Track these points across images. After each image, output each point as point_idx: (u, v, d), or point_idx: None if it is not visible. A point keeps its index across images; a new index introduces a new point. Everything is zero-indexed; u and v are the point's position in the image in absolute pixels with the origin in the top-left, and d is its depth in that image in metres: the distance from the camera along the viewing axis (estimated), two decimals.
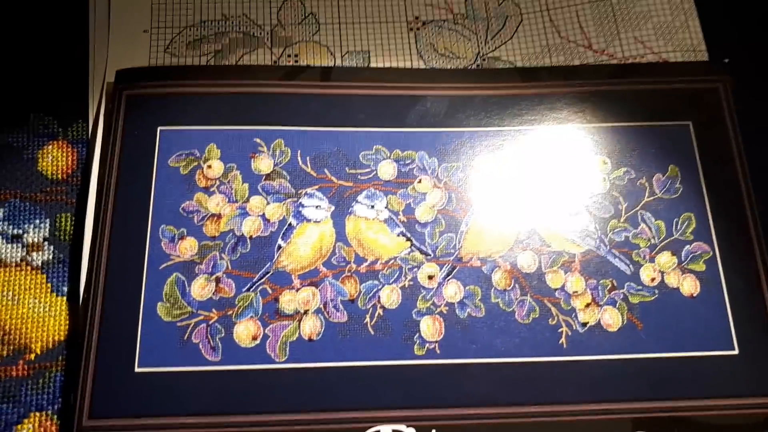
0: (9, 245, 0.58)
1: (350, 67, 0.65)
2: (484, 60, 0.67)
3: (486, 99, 0.63)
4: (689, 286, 0.57)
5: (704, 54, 0.67)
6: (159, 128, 0.60)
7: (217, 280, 0.56)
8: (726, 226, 0.59)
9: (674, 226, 0.59)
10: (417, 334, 0.55)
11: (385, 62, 0.66)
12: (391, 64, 0.66)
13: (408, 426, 0.52)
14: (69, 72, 0.64)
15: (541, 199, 0.60)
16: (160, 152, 0.59)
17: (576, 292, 0.57)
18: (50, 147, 0.61)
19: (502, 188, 0.60)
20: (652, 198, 0.60)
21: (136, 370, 0.53)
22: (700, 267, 0.58)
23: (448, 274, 0.57)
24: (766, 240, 0.59)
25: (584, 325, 0.56)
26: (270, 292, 0.55)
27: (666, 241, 0.59)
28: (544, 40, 0.68)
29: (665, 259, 0.58)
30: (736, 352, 0.55)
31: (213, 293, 0.55)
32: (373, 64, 0.66)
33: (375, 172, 0.60)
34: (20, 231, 0.58)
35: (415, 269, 0.57)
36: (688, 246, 0.59)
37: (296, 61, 0.66)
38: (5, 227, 0.58)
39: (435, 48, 0.67)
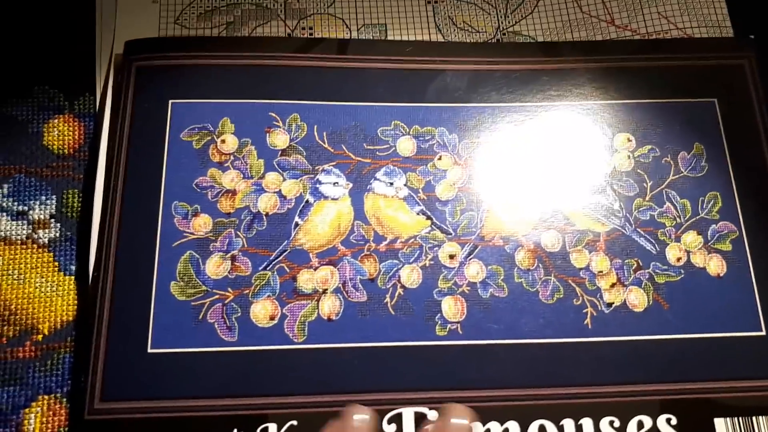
0: (14, 222, 0.55)
1: (367, 39, 0.63)
2: (504, 34, 0.65)
3: (507, 74, 0.61)
4: (715, 265, 0.56)
5: (729, 30, 0.65)
6: (171, 101, 0.57)
7: (233, 258, 0.53)
8: (752, 205, 0.58)
9: (700, 205, 0.57)
10: (438, 315, 0.53)
11: (402, 36, 0.64)
12: (409, 38, 0.64)
13: (430, 408, 0.50)
14: (75, 44, 0.61)
15: (564, 177, 0.58)
16: (172, 126, 0.57)
17: (601, 271, 0.55)
18: (56, 121, 0.58)
19: (524, 166, 0.58)
20: (677, 176, 0.58)
21: (149, 350, 0.50)
22: (727, 246, 0.56)
23: (469, 254, 0.55)
24: None
25: (609, 305, 0.54)
26: (287, 270, 0.53)
27: (692, 221, 0.57)
28: (565, 15, 0.66)
29: (691, 238, 0.56)
30: (763, 333, 0.54)
31: (228, 271, 0.53)
32: (389, 38, 0.64)
33: (394, 149, 0.58)
34: (25, 207, 0.56)
35: (436, 248, 0.55)
36: (714, 225, 0.57)
37: (311, 34, 0.63)
38: (10, 204, 0.56)
39: (453, 21, 0.65)
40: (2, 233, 0.55)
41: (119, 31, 0.61)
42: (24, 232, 0.55)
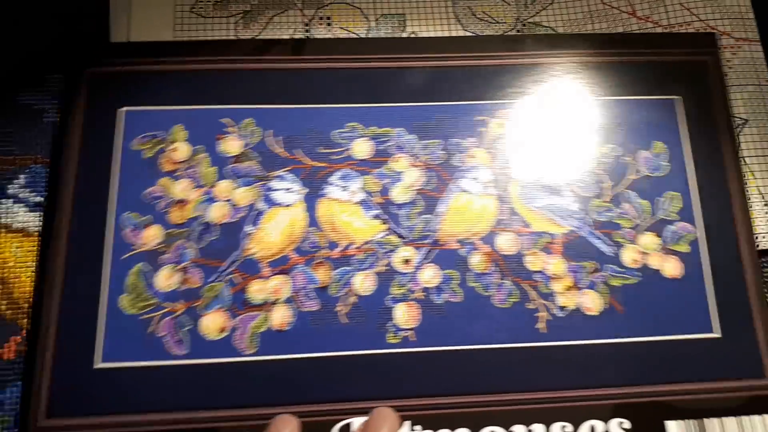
0: (31, 213, 0.55)
1: (324, 38, 0.61)
2: (524, 26, 0.63)
3: (468, 70, 0.59)
4: (671, 267, 0.55)
5: (752, 23, 0.63)
6: (122, 109, 0.56)
7: (184, 270, 0.53)
8: (712, 206, 0.57)
9: (658, 206, 0.56)
10: (391, 322, 0.53)
11: (421, 26, 0.62)
12: (428, 28, 0.62)
13: None
14: (90, 32, 0.60)
15: (523, 177, 0.57)
16: (124, 135, 0.56)
17: (556, 275, 0.54)
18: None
19: (483, 165, 0.57)
20: (637, 176, 0.57)
21: (97, 366, 0.50)
22: (684, 248, 0.56)
23: (424, 258, 0.54)
24: (748, 221, 0.57)
25: (563, 309, 0.54)
26: (238, 281, 0.53)
27: (650, 222, 0.56)
28: (585, 6, 0.64)
29: (648, 239, 0.56)
30: (718, 335, 0.53)
31: (179, 284, 0.53)
32: (409, 28, 0.62)
33: (349, 151, 0.57)
34: (42, 198, 0.55)
35: (391, 253, 0.55)
36: (672, 226, 0.56)
37: (328, 24, 0.62)
38: (27, 194, 0.55)
39: (473, 12, 0.63)
40: (20, 224, 0.55)
41: (134, 20, 0.60)
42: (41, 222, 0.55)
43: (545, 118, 0.59)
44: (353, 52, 0.60)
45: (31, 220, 0.55)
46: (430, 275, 0.54)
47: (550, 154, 0.58)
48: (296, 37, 0.61)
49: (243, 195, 0.55)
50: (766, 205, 0.58)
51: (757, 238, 0.56)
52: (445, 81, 0.59)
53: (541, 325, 0.53)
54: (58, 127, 0.56)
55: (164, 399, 0.50)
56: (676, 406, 0.51)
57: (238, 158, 0.56)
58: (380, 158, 0.57)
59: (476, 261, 0.54)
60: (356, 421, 0.50)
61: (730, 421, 0.51)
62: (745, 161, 0.59)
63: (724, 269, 0.55)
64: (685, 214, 0.56)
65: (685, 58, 0.61)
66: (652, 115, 0.59)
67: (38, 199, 0.55)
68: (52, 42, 0.59)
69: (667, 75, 0.60)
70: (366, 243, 0.55)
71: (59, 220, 0.53)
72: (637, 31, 0.63)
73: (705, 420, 0.51)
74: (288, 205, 0.55)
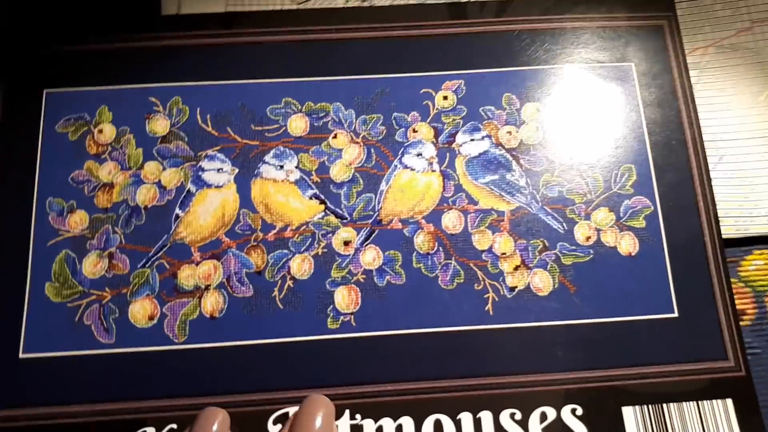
0: None
1: (253, 11, 0.58)
2: None
3: (408, 41, 0.57)
4: (627, 244, 0.52)
5: None
6: (45, 90, 0.54)
7: (111, 256, 0.51)
8: (669, 179, 0.54)
9: (613, 179, 0.54)
10: (331, 306, 0.50)
11: None
12: None
13: None
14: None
15: (468, 151, 0.54)
16: (47, 117, 0.54)
17: (504, 253, 0.52)
18: None
19: (427, 139, 0.54)
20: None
21: (21, 356, 0.49)
22: (640, 223, 0.53)
23: (366, 239, 0.52)
24: (711, 194, 0.53)
25: (512, 289, 0.51)
26: (167, 267, 0.51)
27: (603, 196, 0.53)
28: None
29: (602, 215, 0.53)
30: (675, 314, 0.51)
31: (106, 270, 0.51)
32: None
33: (285, 128, 0.54)
34: None
35: (330, 235, 0.52)
36: (627, 201, 0.53)
37: None
38: None
39: None
40: None
41: None
42: None
43: (492, 88, 0.56)
44: (285, 23, 0.57)
45: None
46: (371, 257, 0.52)
47: (494, 127, 0.55)
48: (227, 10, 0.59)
49: (171, 176, 0.53)
50: (728, 178, 0.55)
51: (718, 212, 0.53)
52: (386, 52, 0.56)
53: (488, 307, 0.51)
54: None
55: (91, 389, 0.48)
56: (632, 391, 0.49)
57: (165, 138, 0.54)
58: (317, 135, 0.54)
59: (420, 241, 0.52)
60: (293, 411, 0.48)
61: (691, 406, 0.49)
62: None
63: (683, 245, 0.52)
64: (641, 188, 0.53)
65: (639, 23, 0.58)
66: (606, 82, 0.56)
67: None
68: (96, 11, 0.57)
69: (621, 40, 0.57)
70: (303, 225, 0.52)
71: None
72: None
73: (664, 405, 0.49)
74: (219, 186, 0.52)
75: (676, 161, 0.54)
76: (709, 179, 0.54)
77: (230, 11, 0.58)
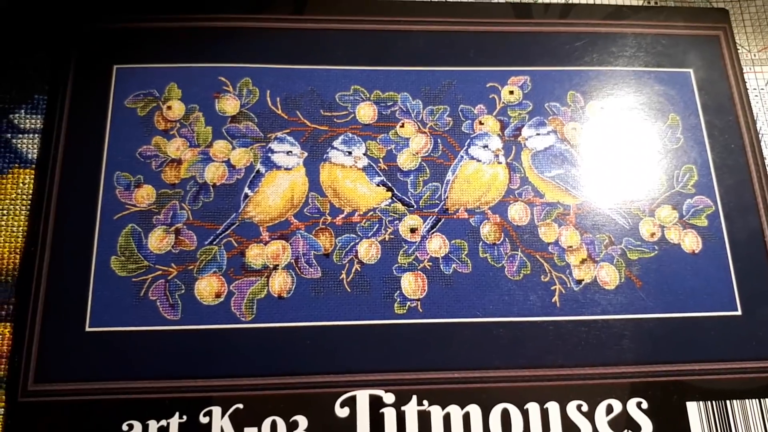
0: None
1: None
2: None
3: (474, 36, 0.58)
4: (690, 242, 0.54)
5: None
6: (115, 66, 0.55)
7: (177, 232, 0.51)
8: (729, 179, 0.56)
9: (675, 179, 0.55)
10: (398, 292, 0.51)
11: None
12: None
13: (386, 391, 0.48)
14: None
15: (534, 144, 0.56)
16: (116, 92, 0.54)
17: (571, 246, 0.53)
18: None
19: (493, 132, 0.56)
20: (653, 148, 0.56)
21: (87, 329, 0.48)
22: (702, 222, 0.54)
23: (432, 227, 0.53)
24: None
25: (579, 282, 0.52)
26: (235, 245, 0.51)
27: (666, 194, 0.55)
28: None
29: (666, 213, 0.54)
30: (738, 312, 0.52)
31: (172, 246, 0.51)
32: None
33: (353, 115, 0.55)
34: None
35: (397, 221, 0.53)
36: (689, 200, 0.55)
37: None
38: None
39: None
40: None
41: None
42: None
43: (557, 85, 0.58)
44: (356, 12, 0.59)
45: None
46: (437, 245, 0.52)
47: (561, 124, 0.57)
48: None
49: (240, 156, 0.53)
50: None
51: None
52: (453, 46, 0.58)
53: (555, 299, 0.51)
54: (49, 85, 0.55)
55: (157, 365, 0.48)
56: (696, 387, 0.50)
57: (235, 118, 0.54)
58: (384, 123, 0.55)
59: (486, 231, 0.53)
60: (360, 395, 0.48)
61: (754, 404, 0.50)
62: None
63: (745, 244, 0.54)
64: (702, 188, 0.55)
65: (697, 32, 0.60)
66: (666, 87, 0.58)
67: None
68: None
69: (680, 48, 0.60)
70: (371, 210, 0.53)
71: (50, 180, 0.52)
72: (651, 5, 0.62)
73: (727, 402, 0.50)
74: (288, 169, 0.53)
75: (735, 164, 0.56)
76: (765, 178, 0.56)
77: None
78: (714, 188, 0.55)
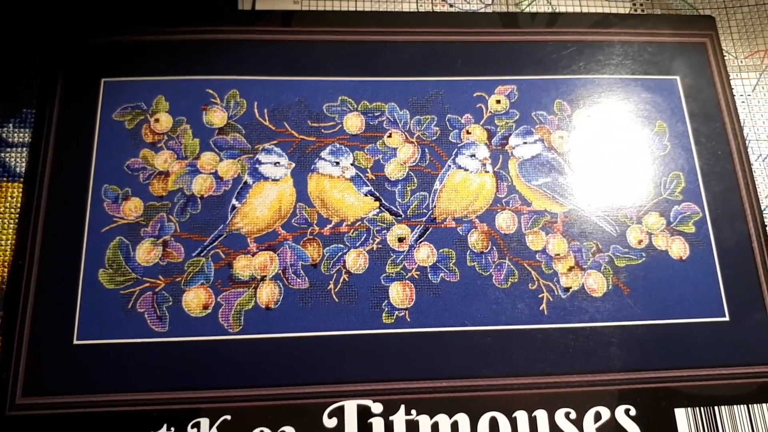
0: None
1: (313, 10, 0.61)
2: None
3: (461, 46, 0.59)
4: (678, 248, 0.54)
5: None
6: (103, 80, 0.56)
7: (165, 244, 0.51)
8: (716, 186, 0.56)
9: (662, 185, 0.56)
10: (386, 301, 0.51)
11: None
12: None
13: (375, 401, 0.49)
14: None
15: (521, 153, 0.56)
16: (104, 105, 0.55)
17: (558, 254, 0.53)
18: None
19: (480, 141, 0.56)
20: (640, 155, 0.57)
21: (75, 342, 0.49)
22: (690, 228, 0.55)
23: (420, 236, 0.53)
24: (758, 202, 0.56)
25: (567, 290, 0.53)
26: (223, 256, 0.52)
27: (653, 201, 0.55)
28: None
29: (653, 220, 0.55)
30: (726, 318, 0.52)
31: (160, 258, 0.51)
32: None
33: (340, 126, 0.56)
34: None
35: (384, 231, 0.53)
36: (677, 206, 0.55)
37: None
38: None
39: None
40: None
41: None
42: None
43: (544, 94, 0.58)
44: (344, 23, 0.59)
45: None
46: (425, 254, 0.53)
47: (547, 132, 0.57)
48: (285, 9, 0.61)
49: (228, 168, 0.54)
50: None
51: (766, 218, 0.56)
52: (440, 56, 0.59)
53: (543, 307, 0.52)
54: (38, 99, 0.55)
55: (145, 378, 0.48)
56: (684, 393, 0.50)
57: (222, 130, 0.55)
58: (372, 133, 0.56)
59: (474, 240, 0.53)
60: (348, 405, 0.48)
61: (742, 409, 0.50)
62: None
63: (732, 251, 0.54)
64: (690, 194, 0.56)
65: (684, 39, 0.61)
66: (653, 94, 0.59)
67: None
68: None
69: (667, 55, 0.60)
70: (358, 220, 0.54)
71: (38, 193, 0.52)
72: (638, 13, 0.63)
73: (716, 408, 0.50)
74: (276, 180, 0.54)
75: (722, 170, 0.57)
76: (755, 188, 0.56)
77: (288, 9, 0.60)
78: (701, 195, 0.56)
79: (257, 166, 0.54)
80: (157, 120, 0.54)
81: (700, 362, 0.51)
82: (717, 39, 0.61)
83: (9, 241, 0.52)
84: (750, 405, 0.50)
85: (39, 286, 0.50)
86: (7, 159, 0.54)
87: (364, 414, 0.48)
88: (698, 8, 0.64)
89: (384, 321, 0.51)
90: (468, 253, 0.53)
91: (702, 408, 0.50)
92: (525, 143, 0.56)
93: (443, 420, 0.49)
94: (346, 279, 0.52)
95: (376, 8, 0.61)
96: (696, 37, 0.61)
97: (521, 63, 0.59)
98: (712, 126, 0.58)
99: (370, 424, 0.48)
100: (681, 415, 0.50)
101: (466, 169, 0.55)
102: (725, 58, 0.61)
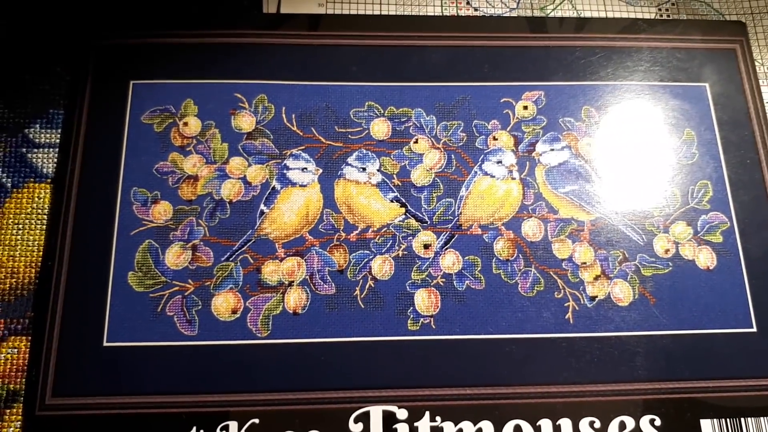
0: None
1: (340, 14, 0.62)
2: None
3: (488, 51, 0.60)
4: (705, 258, 0.56)
5: None
6: (131, 82, 0.57)
7: (194, 248, 0.53)
8: (744, 195, 0.57)
9: (690, 195, 0.57)
10: (411, 308, 0.53)
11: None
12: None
13: (400, 407, 0.50)
14: None
15: (548, 160, 0.58)
16: (133, 108, 0.57)
17: (585, 263, 0.55)
18: None
19: (507, 148, 0.58)
20: (668, 163, 0.58)
21: (105, 344, 0.51)
22: (717, 238, 0.56)
23: (445, 243, 0.55)
24: None
25: (593, 299, 0.54)
26: (251, 261, 0.53)
27: (681, 210, 0.57)
28: None
29: (680, 229, 0.56)
30: (754, 329, 0.54)
31: (189, 262, 0.53)
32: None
33: (367, 131, 0.58)
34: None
35: (410, 237, 0.55)
36: (704, 216, 0.57)
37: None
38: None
39: None
40: None
41: None
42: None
43: (572, 100, 0.60)
44: (371, 28, 0.61)
45: None
46: (451, 261, 0.54)
47: (574, 138, 0.59)
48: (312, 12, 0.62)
49: (256, 173, 0.55)
50: None
51: None
52: (467, 61, 0.60)
53: (568, 315, 0.53)
54: (66, 100, 0.57)
55: (172, 380, 0.50)
56: (710, 404, 0.51)
57: (251, 135, 0.57)
58: (398, 139, 0.57)
59: (500, 247, 0.55)
60: (374, 410, 0.50)
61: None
62: None
63: (760, 261, 0.56)
64: (717, 204, 0.57)
65: (714, 46, 0.62)
66: (681, 102, 0.60)
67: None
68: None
69: (696, 62, 0.61)
70: (384, 227, 0.55)
71: (68, 195, 0.54)
72: (667, 18, 0.64)
73: (742, 419, 0.51)
74: (303, 185, 0.55)
75: (750, 179, 0.58)
76: None
77: (315, 13, 0.62)
78: (729, 204, 0.57)
79: (285, 171, 0.56)
80: (185, 123, 0.56)
81: (727, 373, 0.52)
82: (747, 45, 0.62)
83: (37, 242, 0.54)
84: None
85: (68, 288, 0.52)
86: (35, 160, 0.56)
87: (389, 420, 0.50)
88: (724, 14, 0.65)
89: (409, 328, 0.53)
90: (494, 260, 0.55)
91: (728, 419, 0.51)
92: (552, 150, 0.58)
93: (468, 427, 0.50)
94: (372, 285, 0.53)
95: (400, 12, 0.63)
96: (726, 43, 0.62)
97: (549, 68, 0.60)
98: (741, 134, 0.59)
99: (395, 429, 0.50)
100: (707, 426, 0.51)
101: (492, 176, 0.57)
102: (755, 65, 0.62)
